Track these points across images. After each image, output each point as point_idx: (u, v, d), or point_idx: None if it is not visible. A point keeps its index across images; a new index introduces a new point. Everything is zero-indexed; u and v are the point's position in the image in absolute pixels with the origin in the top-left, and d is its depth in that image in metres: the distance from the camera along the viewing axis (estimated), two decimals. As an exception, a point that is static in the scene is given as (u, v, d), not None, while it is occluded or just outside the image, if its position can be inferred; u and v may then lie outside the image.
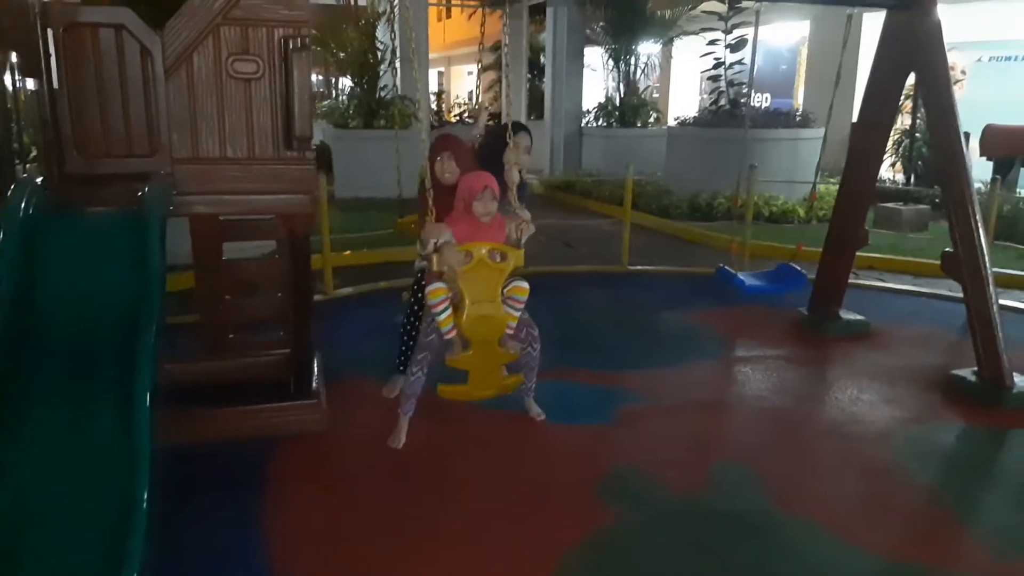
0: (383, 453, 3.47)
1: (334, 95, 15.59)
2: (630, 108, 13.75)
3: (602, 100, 14.38)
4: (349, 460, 3.49)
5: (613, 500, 3.12)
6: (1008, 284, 6.75)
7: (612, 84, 14.08)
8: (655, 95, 18.37)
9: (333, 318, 5.43)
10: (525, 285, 3.46)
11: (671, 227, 9.56)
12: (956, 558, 2.87)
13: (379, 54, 11.51)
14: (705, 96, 12.24)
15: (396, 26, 11.86)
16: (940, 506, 3.21)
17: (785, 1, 7.19)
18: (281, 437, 3.51)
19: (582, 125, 14.21)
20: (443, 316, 3.31)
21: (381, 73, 11.57)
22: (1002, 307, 5.32)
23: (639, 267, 7.29)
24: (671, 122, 13.35)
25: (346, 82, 13.06)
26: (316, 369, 3.88)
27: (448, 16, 27.58)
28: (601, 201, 11.28)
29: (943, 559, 2.83)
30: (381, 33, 11.58)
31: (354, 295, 6.09)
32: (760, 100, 17.34)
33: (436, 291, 3.30)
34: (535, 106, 16.00)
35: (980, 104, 13.41)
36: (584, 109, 14.45)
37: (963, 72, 13.98)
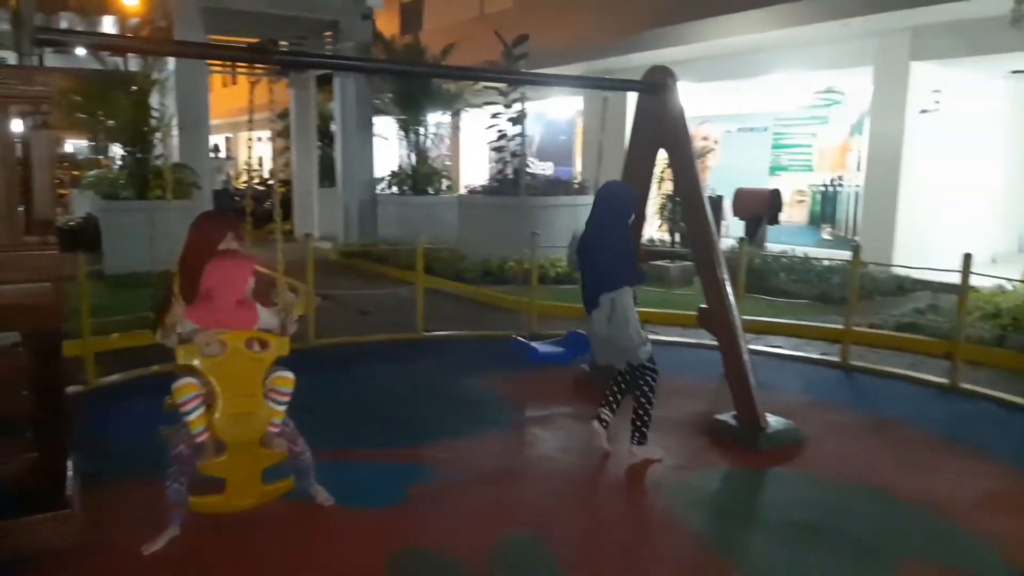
0: (150, 568, 3.14)
1: (103, 164, 14.54)
2: (422, 176, 14.02)
3: (395, 168, 14.57)
4: (108, 578, 3.13)
5: (401, 584, 3.05)
6: (761, 331, 7.55)
7: (404, 152, 14.32)
8: (447, 163, 18.91)
9: (96, 411, 4.95)
10: (289, 375, 3.25)
11: (466, 291, 9.78)
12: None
13: (154, 121, 10.95)
14: (493, 165, 12.78)
15: (174, 92, 11.40)
16: (710, 552, 3.43)
17: (545, 85, 7.72)
18: (25, 558, 3.08)
19: (376, 192, 14.27)
20: (193, 416, 3.04)
21: (156, 141, 10.98)
22: (756, 352, 5.95)
23: (435, 333, 7.35)
24: (462, 190, 13.75)
25: (118, 150, 12.25)
26: (70, 474, 3.49)
27: (235, 82, 26.87)
28: (397, 267, 11.30)
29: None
30: (157, 100, 11.03)
31: (122, 382, 5.60)
32: (543, 169, 18.41)
33: (184, 387, 3.03)
34: (327, 173, 15.87)
35: (732, 169, 15.10)
36: (377, 176, 14.55)
37: (716, 141, 15.67)
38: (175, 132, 11.56)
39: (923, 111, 11.12)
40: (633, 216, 4.38)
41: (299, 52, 13.20)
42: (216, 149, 17.84)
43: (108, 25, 14.40)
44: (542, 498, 3.97)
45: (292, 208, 16.84)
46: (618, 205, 4.28)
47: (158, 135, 10.89)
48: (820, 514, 3.74)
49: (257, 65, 4.10)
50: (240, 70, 15.45)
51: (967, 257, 5.74)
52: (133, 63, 11.05)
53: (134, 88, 10.88)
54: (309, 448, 3.50)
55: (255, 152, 22.92)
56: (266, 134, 19.89)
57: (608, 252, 4.19)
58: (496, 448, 4.64)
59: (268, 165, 24.27)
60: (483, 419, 5.04)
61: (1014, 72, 11.72)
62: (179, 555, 3.21)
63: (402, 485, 3.94)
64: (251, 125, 3.56)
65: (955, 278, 5.84)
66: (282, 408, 3.24)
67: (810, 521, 3.66)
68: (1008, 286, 8.14)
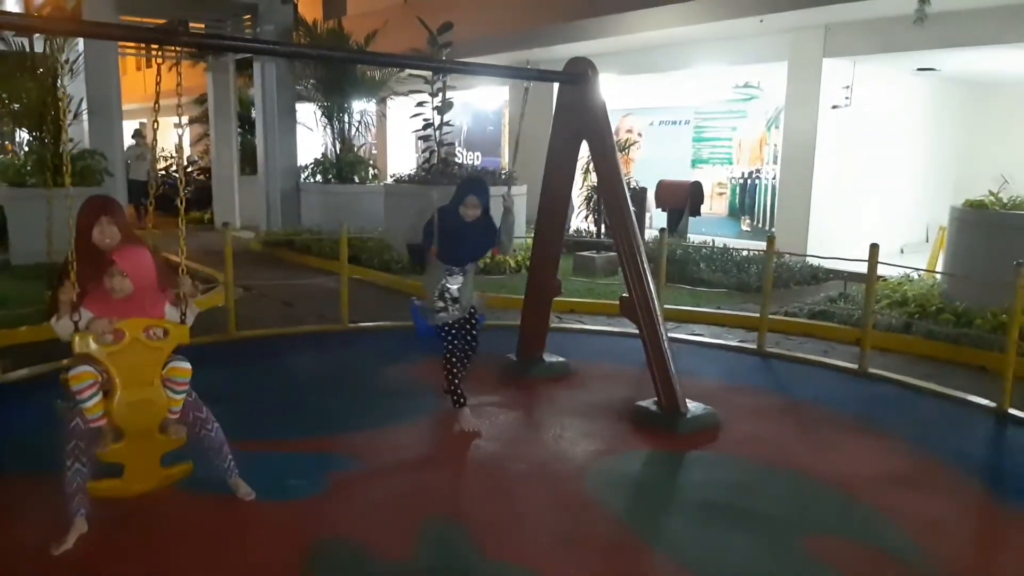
0: (57, 568, 3.02)
1: (8, 150, 13.84)
2: (347, 164, 13.80)
3: (319, 156, 14.31)
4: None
5: None
6: (682, 319, 7.75)
7: (328, 140, 14.07)
8: (373, 152, 18.68)
9: (2, 406, 4.74)
10: (186, 365, 3.23)
11: (392, 281, 9.70)
12: (642, 578, 3.16)
13: (62, 105, 10.43)
14: (420, 154, 12.67)
15: (83, 75, 10.89)
16: (630, 533, 3.51)
17: (468, 74, 7.73)
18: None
19: (300, 181, 13.99)
20: (90, 403, 2.99)
21: (66, 126, 10.49)
22: (676, 340, 6.11)
23: (360, 324, 7.27)
24: (389, 179, 13.61)
25: (25, 135, 11.66)
26: (-28, 471, 3.34)
27: (149, 66, 25.87)
28: (322, 257, 11.13)
29: (631, 582, 3.10)
30: (65, 83, 10.52)
31: (30, 377, 5.36)
32: (472, 159, 18.39)
33: (80, 375, 2.96)
34: (248, 160, 15.46)
35: (655, 162, 15.40)
36: (301, 164, 14.27)
37: (639, 134, 15.95)
38: (85, 117, 11.07)
39: (834, 107, 11.57)
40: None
41: (212, 35, 12.85)
42: (140, 134, 17.10)
43: (11, 3, 13.66)
44: (465, 485, 3.99)
45: (211, 196, 16.36)
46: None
47: (67, 120, 10.40)
48: (735, 494, 3.87)
49: (169, 48, 3.95)
50: (153, 52, 14.90)
51: (874, 247, 6.01)
52: (40, 44, 10.53)
53: (40, 71, 10.37)
54: (218, 423, 3.48)
55: (173, 138, 22.12)
56: (183, 120, 19.24)
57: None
58: (419, 437, 4.64)
59: (186, 152, 23.51)
60: (407, 408, 5.03)
61: (921, 69, 12.30)
62: (90, 553, 3.10)
63: (323, 475, 3.90)
64: (157, 109, 3.41)
65: (865, 267, 6.10)
66: (180, 397, 3.23)
67: (725, 500, 3.79)
68: (914, 275, 8.57)
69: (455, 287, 4.72)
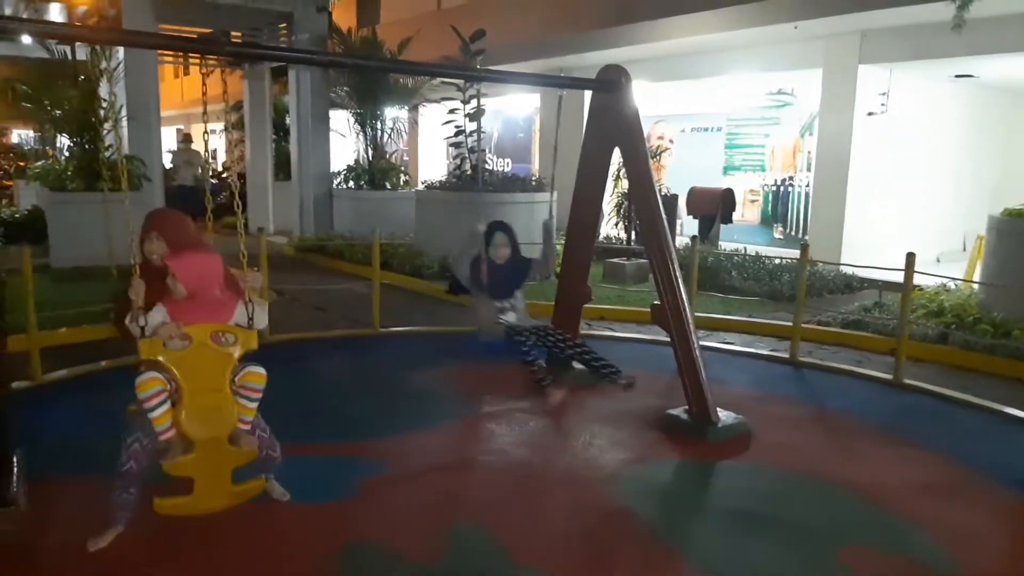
0: (100, 564, 3.09)
1: (50, 155, 14.18)
2: (379, 171, 13.93)
3: (351, 163, 14.46)
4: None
5: (354, 577, 3.05)
6: (713, 327, 7.70)
7: (360, 147, 14.21)
8: (405, 158, 18.83)
9: (42, 408, 4.84)
10: (260, 370, 3.12)
11: (423, 287, 9.76)
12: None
13: (103, 112, 10.69)
14: (451, 161, 12.77)
15: (123, 82, 11.14)
16: (659, 541, 3.49)
17: (501, 82, 7.77)
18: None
19: (332, 187, 14.15)
20: (158, 412, 2.90)
21: (105, 132, 10.73)
22: (707, 348, 6.07)
23: (391, 329, 7.33)
24: (420, 185, 13.71)
25: (65, 141, 11.95)
26: (15, 471, 3.41)
27: (186, 73, 26.38)
28: (354, 263, 11.24)
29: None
30: (105, 90, 10.78)
31: (70, 378, 5.48)
32: (502, 165, 18.46)
33: (148, 382, 2.87)
34: (282, 167, 15.67)
35: (686, 169, 15.33)
36: (334, 171, 14.43)
37: (671, 141, 15.89)
38: (124, 123, 11.31)
39: (870, 113, 11.43)
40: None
41: (251, 44, 13.04)
42: (188, 139, 17.39)
43: (55, 13, 14.01)
44: (495, 491, 4.00)
45: (246, 202, 16.60)
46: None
47: (107, 126, 10.64)
48: (766, 503, 3.84)
49: (209, 56, 4.04)
50: (192, 61, 15.19)
51: (911, 256, 5.93)
52: (81, 52, 10.79)
53: (82, 78, 10.62)
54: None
55: (211, 144, 22.53)
56: (219, 126, 19.55)
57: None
58: (450, 441, 4.65)
59: (222, 158, 23.87)
60: (437, 413, 5.06)
61: (958, 76, 12.11)
62: (126, 553, 3.16)
63: (354, 479, 3.94)
64: (205, 117, 3.48)
65: (900, 277, 6.02)
66: (253, 405, 3.13)
67: (756, 510, 3.76)
68: (951, 285, 8.42)
69: (511, 318, 5.34)
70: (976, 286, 8.27)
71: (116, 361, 5.53)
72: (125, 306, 3.11)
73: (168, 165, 15.34)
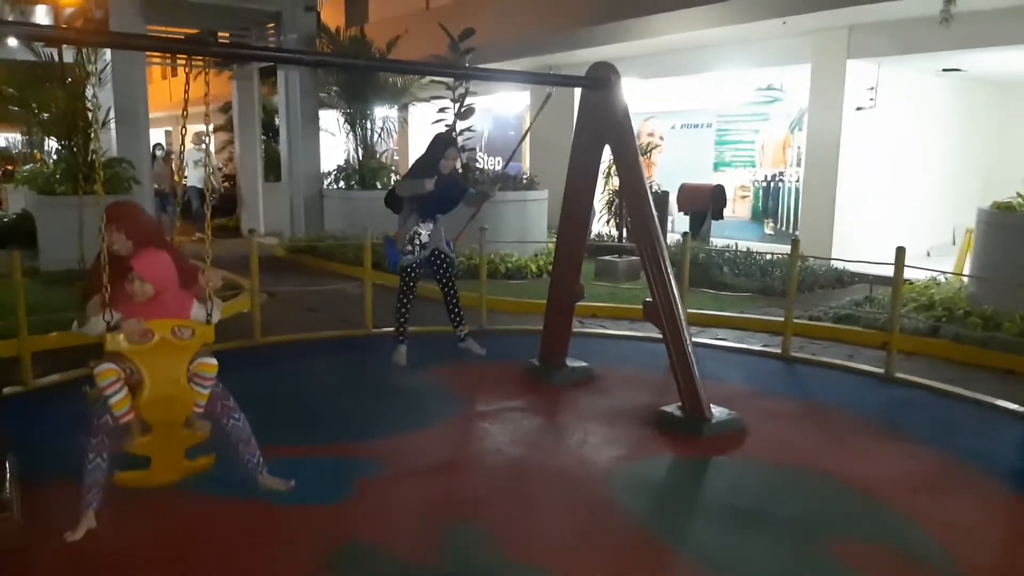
0: (86, 569, 3.10)
1: (38, 158, 14.09)
2: (370, 170, 13.89)
3: (341, 163, 14.42)
4: (49, 577, 3.07)
5: (348, 579, 3.05)
6: (705, 323, 7.72)
7: (351, 147, 14.17)
8: (395, 157, 18.77)
9: (33, 413, 4.82)
10: (213, 361, 3.33)
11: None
12: (666, 583, 3.16)
13: (90, 114, 10.63)
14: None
15: (110, 85, 11.08)
16: (654, 537, 3.50)
17: (489, 80, 7.78)
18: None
19: (323, 187, 14.11)
20: (116, 398, 3.11)
21: (93, 135, 10.68)
22: (700, 345, 6.09)
23: (383, 328, 7.30)
24: (410, 184, 13.67)
25: (54, 144, 11.88)
26: (8, 476, 3.40)
27: (174, 75, 26.25)
28: (345, 263, 11.20)
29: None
30: (93, 92, 10.72)
31: (61, 383, 5.45)
32: (493, 164, 18.43)
33: (104, 372, 3.08)
34: (272, 168, 15.61)
35: (677, 165, 15.35)
36: (324, 171, 14.39)
37: (661, 138, 15.90)
38: (112, 126, 11.25)
39: (859, 108, 11.47)
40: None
41: (239, 44, 12.99)
42: (201, 140, 17.11)
43: (41, 15, 13.92)
44: (490, 490, 4.00)
45: (237, 204, 16.52)
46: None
47: (94, 129, 10.59)
48: (759, 498, 3.85)
49: (197, 57, 4.02)
50: (180, 62, 15.09)
51: (900, 251, 5.95)
52: (68, 54, 10.72)
53: (69, 80, 10.55)
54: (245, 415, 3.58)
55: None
56: (209, 127, 19.46)
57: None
58: (444, 441, 4.65)
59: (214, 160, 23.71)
60: (430, 413, 5.06)
61: (945, 70, 12.17)
62: (115, 554, 3.17)
63: (349, 480, 3.93)
64: (185, 117, 3.52)
65: (891, 271, 6.05)
66: (206, 392, 3.34)
67: (750, 505, 3.77)
68: (941, 278, 8.47)
69: (425, 233, 5.77)
70: (966, 279, 8.31)
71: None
72: (91, 286, 3.30)
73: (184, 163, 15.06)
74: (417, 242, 5.75)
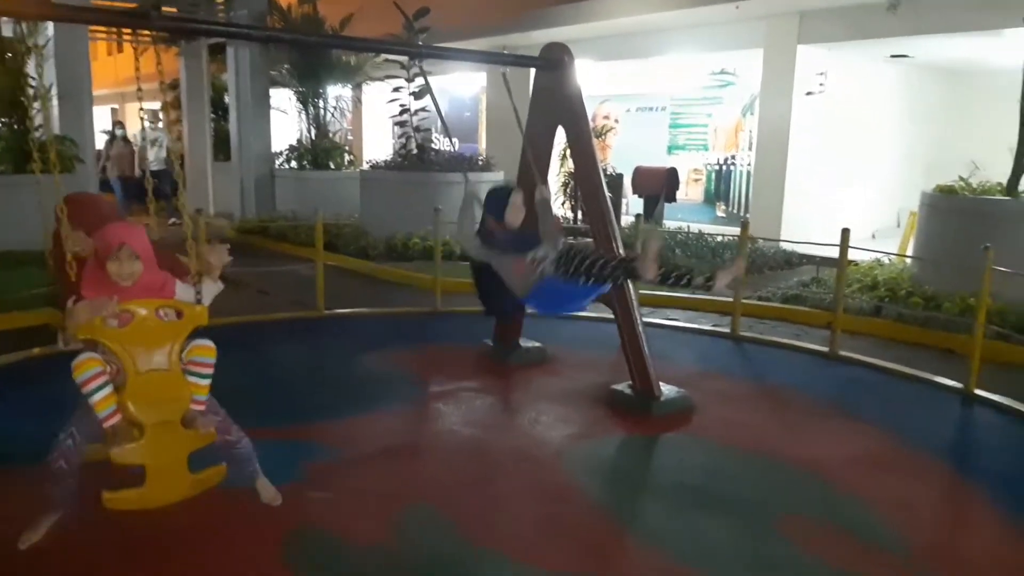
0: (32, 561, 2.98)
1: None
2: (323, 150, 13.71)
3: (294, 142, 14.19)
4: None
5: (300, 567, 3.01)
6: (656, 304, 7.81)
7: (303, 126, 13.95)
8: (349, 137, 18.54)
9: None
10: (210, 344, 2.89)
11: (369, 268, 9.67)
12: (625, 564, 3.19)
13: (31, 91, 10.26)
14: (397, 140, 12.60)
15: (52, 60, 10.70)
16: (607, 517, 3.54)
17: (443, 59, 7.71)
18: None
19: (274, 167, 13.88)
20: (98, 396, 2.62)
21: (35, 111, 10.31)
22: (651, 325, 6.17)
23: (337, 311, 7.25)
24: (365, 165, 13.53)
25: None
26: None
27: (120, 51, 25.47)
28: (297, 244, 11.06)
29: (613, 567, 3.14)
30: (34, 68, 10.34)
31: (3, 366, 5.29)
32: (448, 144, 18.30)
33: (84, 363, 2.60)
34: (222, 147, 15.29)
35: (631, 148, 15.44)
36: (276, 151, 14.15)
37: (616, 121, 15.97)
38: (55, 102, 10.87)
39: (808, 93, 11.66)
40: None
41: (186, 18, 12.63)
42: (156, 116, 16.50)
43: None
44: (444, 471, 4.01)
45: (185, 183, 16.13)
46: None
47: (36, 105, 10.23)
48: (709, 477, 3.93)
49: (142, 32, 3.91)
50: (125, 37, 14.64)
51: (846, 232, 6.09)
52: (7, 28, 10.32)
53: (8, 55, 10.17)
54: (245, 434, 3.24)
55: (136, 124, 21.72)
56: (155, 105, 18.93)
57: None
58: (398, 424, 4.64)
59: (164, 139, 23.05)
60: (385, 396, 5.04)
61: (893, 56, 12.42)
62: (63, 546, 3.06)
63: (302, 464, 3.90)
64: (141, 97, 3.39)
65: (837, 252, 6.18)
66: (205, 383, 2.89)
67: (699, 484, 3.85)
68: (885, 259, 8.69)
69: (547, 255, 4.21)
70: (909, 261, 8.55)
71: (48, 349, 5.37)
72: (65, 288, 2.95)
73: (138, 143, 14.55)
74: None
